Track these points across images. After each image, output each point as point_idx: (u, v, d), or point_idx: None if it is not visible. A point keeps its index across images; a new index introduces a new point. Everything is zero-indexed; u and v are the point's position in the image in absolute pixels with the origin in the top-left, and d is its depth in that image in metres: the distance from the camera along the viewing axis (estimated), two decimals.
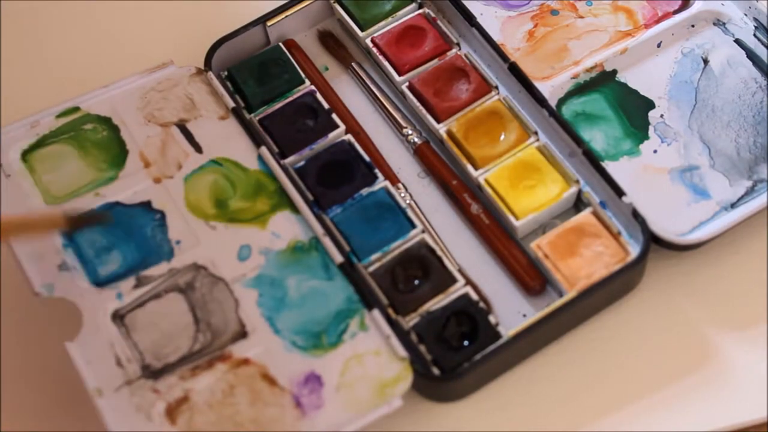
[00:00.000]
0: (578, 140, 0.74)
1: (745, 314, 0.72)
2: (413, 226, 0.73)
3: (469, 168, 0.74)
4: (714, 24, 0.79)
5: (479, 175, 0.74)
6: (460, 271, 0.72)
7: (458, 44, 0.79)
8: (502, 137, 0.75)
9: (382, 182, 0.74)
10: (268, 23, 0.80)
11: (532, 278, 0.72)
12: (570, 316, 0.70)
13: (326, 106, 0.77)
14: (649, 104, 0.77)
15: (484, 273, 0.73)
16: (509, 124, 0.75)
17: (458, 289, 0.71)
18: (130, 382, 0.67)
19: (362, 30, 0.80)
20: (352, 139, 0.76)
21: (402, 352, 0.68)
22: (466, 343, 0.69)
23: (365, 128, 0.79)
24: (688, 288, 0.73)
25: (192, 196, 0.74)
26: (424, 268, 0.71)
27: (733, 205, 0.73)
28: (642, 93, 0.78)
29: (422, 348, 0.69)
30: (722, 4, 0.79)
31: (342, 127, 0.76)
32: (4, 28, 0.86)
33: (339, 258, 0.71)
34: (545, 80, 0.77)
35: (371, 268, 0.72)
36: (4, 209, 0.73)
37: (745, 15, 0.79)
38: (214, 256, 0.72)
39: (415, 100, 0.77)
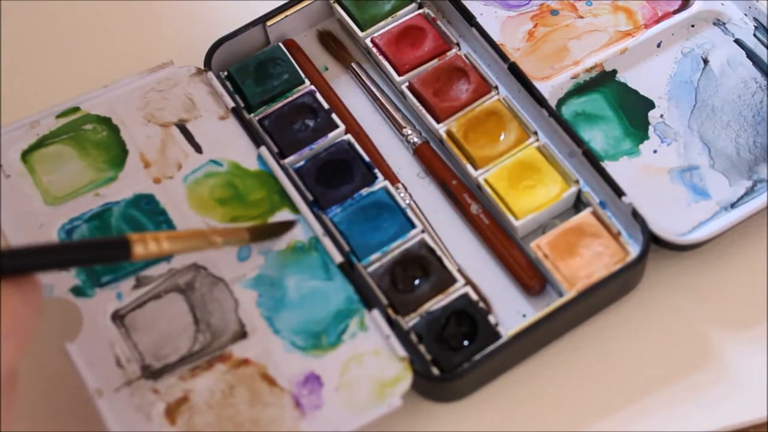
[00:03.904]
0: (578, 140, 0.74)
1: (745, 314, 0.72)
2: (413, 226, 0.73)
3: (469, 168, 0.74)
4: (714, 24, 0.79)
5: (479, 175, 0.74)
6: (460, 271, 0.72)
7: (458, 44, 0.79)
8: (502, 137, 0.75)
9: (381, 182, 0.74)
10: (268, 23, 0.80)
11: (531, 278, 0.72)
12: (570, 316, 0.70)
13: (326, 106, 0.77)
14: (649, 104, 0.77)
15: (484, 273, 0.73)
16: (509, 124, 0.75)
17: (458, 289, 0.71)
18: (130, 382, 0.67)
19: (362, 30, 0.80)
20: (352, 139, 0.76)
21: (402, 352, 0.68)
22: (465, 343, 0.69)
23: (365, 128, 0.79)
24: (688, 288, 0.73)
25: (192, 196, 0.74)
26: (424, 268, 0.71)
27: (733, 205, 0.73)
28: (642, 93, 0.77)
29: (422, 348, 0.69)
30: (722, 4, 0.79)
31: (342, 127, 0.76)
32: (4, 28, 0.86)
33: (339, 258, 0.71)
34: (545, 80, 0.77)
35: (371, 268, 0.72)
36: (3, 210, 0.73)
37: (745, 15, 0.79)
38: (214, 256, 0.71)
39: (414, 100, 0.77)
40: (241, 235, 0.70)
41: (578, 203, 0.74)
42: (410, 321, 0.70)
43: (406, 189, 0.76)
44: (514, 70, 0.77)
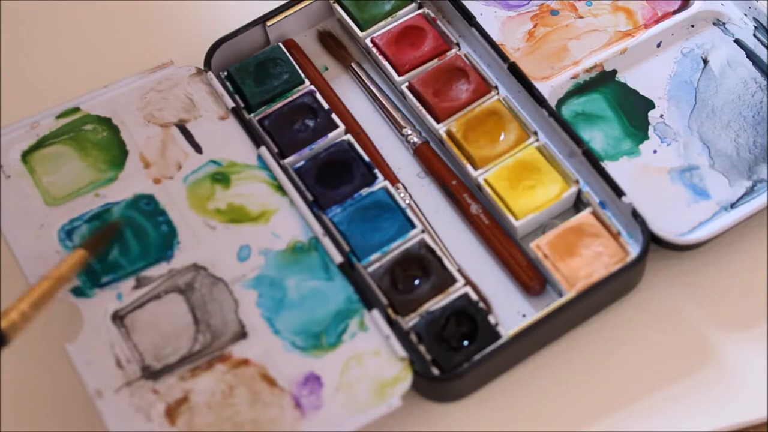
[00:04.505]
0: (578, 140, 0.74)
1: (745, 314, 0.72)
2: (413, 226, 0.73)
3: (469, 168, 0.74)
4: (714, 24, 0.79)
5: (479, 175, 0.74)
6: (460, 271, 0.72)
7: (458, 44, 0.79)
8: (502, 137, 0.75)
9: (381, 182, 0.74)
10: (268, 23, 0.80)
11: (531, 278, 0.72)
12: (570, 316, 0.70)
13: (326, 106, 0.77)
14: (649, 104, 0.77)
15: (484, 273, 0.73)
16: (509, 124, 0.75)
17: (458, 289, 0.71)
18: (130, 383, 0.67)
19: (362, 30, 0.80)
20: (352, 139, 0.76)
21: (401, 352, 0.68)
22: (465, 343, 0.69)
23: (365, 128, 0.79)
24: (688, 288, 0.73)
25: (192, 196, 0.74)
26: (424, 268, 0.72)
27: (732, 205, 0.73)
28: (642, 93, 0.78)
29: (422, 348, 0.69)
30: (722, 4, 0.79)
31: (342, 127, 0.76)
32: (4, 29, 0.86)
33: (338, 258, 0.71)
34: (545, 80, 0.77)
35: (371, 269, 0.72)
36: (4, 211, 0.73)
37: (745, 15, 0.79)
38: (214, 257, 0.72)
39: (414, 100, 0.77)
40: (81, 256, 0.69)
41: (578, 203, 0.74)
42: (410, 321, 0.70)
43: (406, 189, 0.76)
44: (514, 70, 0.77)
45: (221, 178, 0.74)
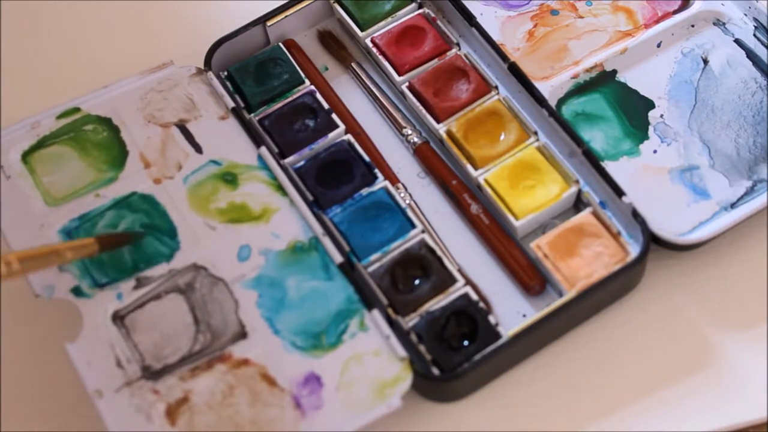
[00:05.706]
0: (578, 140, 0.74)
1: (745, 314, 0.72)
2: (413, 226, 0.73)
3: (469, 168, 0.74)
4: (714, 24, 0.79)
5: (479, 175, 0.74)
6: (460, 271, 0.72)
7: (458, 44, 0.79)
8: (502, 137, 0.75)
9: (381, 182, 0.74)
10: (268, 23, 0.80)
11: (531, 278, 0.72)
12: (570, 316, 0.70)
13: (326, 106, 0.77)
14: (649, 104, 0.77)
15: (484, 273, 0.73)
16: (509, 124, 0.75)
17: (458, 289, 0.71)
18: (130, 383, 0.68)
19: (362, 30, 0.80)
20: (352, 139, 0.76)
21: (402, 352, 0.68)
22: (465, 343, 0.69)
23: (365, 128, 0.79)
24: (688, 288, 0.73)
25: (192, 196, 0.74)
26: (424, 268, 0.72)
27: (732, 205, 0.73)
28: (642, 93, 0.78)
29: (422, 348, 0.69)
30: (722, 4, 0.79)
31: (342, 127, 0.76)
32: (4, 29, 0.86)
33: (339, 258, 0.71)
34: (545, 80, 0.77)
35: (371, 268, 0.72)
36: (4, 211, 0.73)
37: (745, 15, 0.79)
38: (214, 257, 0.72)
39: (414, 100, 0.77)
40: (90, 247, 0.70)
41: (578, 203, 0.74)
42: (410, 321, 0.70)
43: (406, 189, 0.76)
44: (514, 70, 0.77)
45: (231, 179, 0.74)
